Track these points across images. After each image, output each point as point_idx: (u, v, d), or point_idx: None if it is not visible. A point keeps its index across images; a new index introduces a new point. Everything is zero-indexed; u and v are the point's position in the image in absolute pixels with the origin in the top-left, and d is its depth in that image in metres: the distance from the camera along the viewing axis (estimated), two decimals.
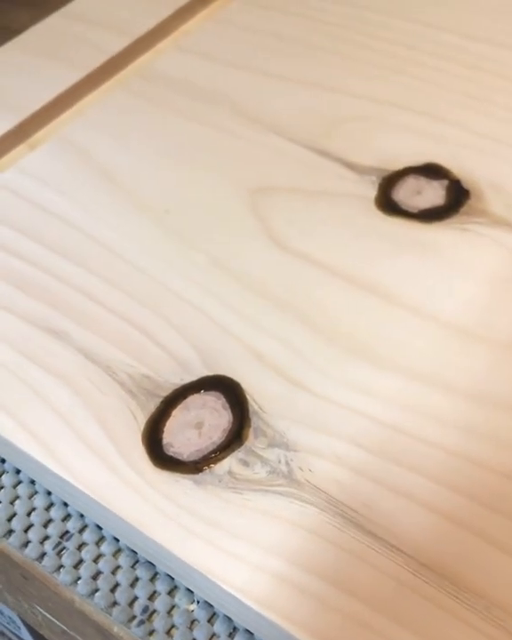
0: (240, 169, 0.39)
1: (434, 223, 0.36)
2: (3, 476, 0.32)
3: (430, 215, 0.37)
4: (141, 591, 0.29)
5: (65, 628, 0.34)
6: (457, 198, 0.37)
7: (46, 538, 0.31)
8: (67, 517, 0.31)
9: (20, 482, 0.32)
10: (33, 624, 0.38)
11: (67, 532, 0.31)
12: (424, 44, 0.44)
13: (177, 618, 0.29)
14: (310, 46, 0.45)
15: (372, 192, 0.38)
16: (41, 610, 0.35)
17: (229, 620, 0.28)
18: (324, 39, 0.45)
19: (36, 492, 0.32)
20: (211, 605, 0.29)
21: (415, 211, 0.37)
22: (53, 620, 0.34)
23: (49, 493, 0.32)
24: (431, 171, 0.38)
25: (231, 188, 0.39)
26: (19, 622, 0.46)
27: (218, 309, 0.34)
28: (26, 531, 0.31)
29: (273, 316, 0.34)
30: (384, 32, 0.45)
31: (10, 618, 0.47)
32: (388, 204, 0.37)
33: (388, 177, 0.38)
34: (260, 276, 0.35)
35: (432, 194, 0.37)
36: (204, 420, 0.31)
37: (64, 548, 0.31)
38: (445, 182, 0.38)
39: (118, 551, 0.30)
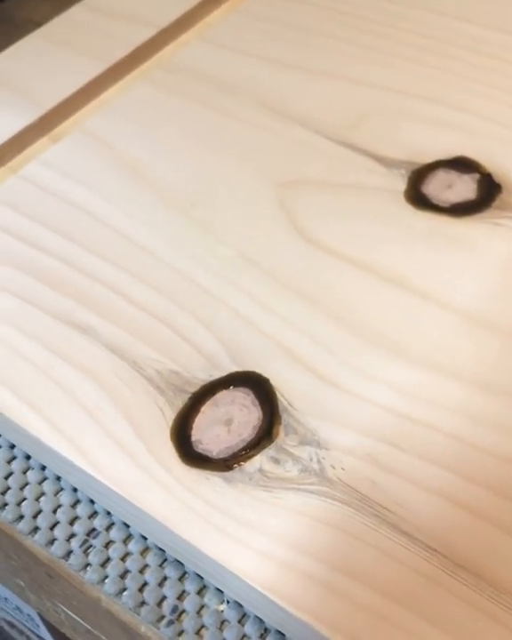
0: (266, 161, 0.39)
1: (465, 217, 0.36)
2: (28, 473, 0.32)
3: (461, 209, 0.36)
4: (170, 590, 0.29)
5: (89, 628, 0.34)
6: (489, 192, 0.36)
7: (72, 536, 0.30)
8: (93, 515, 0.31)
9: (45, 478, 0.32)
10: (55, 623, 0.37)
11: (93, 529, 0.30)
12: (452, 35, 0.43)
13: (207, 618, 0.28)
14: (335, 38, 0.44)
15: (401, 185, 0.37)
16: (64, 608, 0.34)
17: (260, 620, 0.28)
18: (349, 31, 0.45)
19: (61, 489, 0.32)
20: (241, 606, 0.28)
21: (446, 205, 0.36)
22: (77, 618, 0.34)
23: (75, 490, 0.31)
24: (462, 164, 0.37)
25: (257, 181, 0.38)
26: (38, 620, 0.46)
27: (245, 304, 0.34)
28: (52, 528, 0.31)
29: (302, 311, 0.33)
30: (408, 24, 0.44)
31: (28, 615, 0.47)
32: (418, 197, 0.37)
33: (418, 170, 0.38)
34: (288, 270, 0.35)
35: (463, 187, 0.37)
36: (234, 417, 0.30)
37: (91, 545, 0.30)
38: (476, 176, 0.37)
39: (146, 549, 0.30)
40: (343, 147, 0.39)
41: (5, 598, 0.47)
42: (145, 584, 0.29)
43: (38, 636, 0.48)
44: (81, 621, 0.34)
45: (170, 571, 0.29)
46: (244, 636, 0.28)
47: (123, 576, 0.29)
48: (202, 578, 0.29)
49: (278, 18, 0.46)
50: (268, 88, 0.42)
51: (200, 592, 0.29)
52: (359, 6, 0.46)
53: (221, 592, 0.29)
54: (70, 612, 0.34)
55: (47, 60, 0.45)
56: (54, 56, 0.45)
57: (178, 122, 0.41)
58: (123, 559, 0.30)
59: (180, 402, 0.31)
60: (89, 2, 0.49)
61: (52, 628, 0.44)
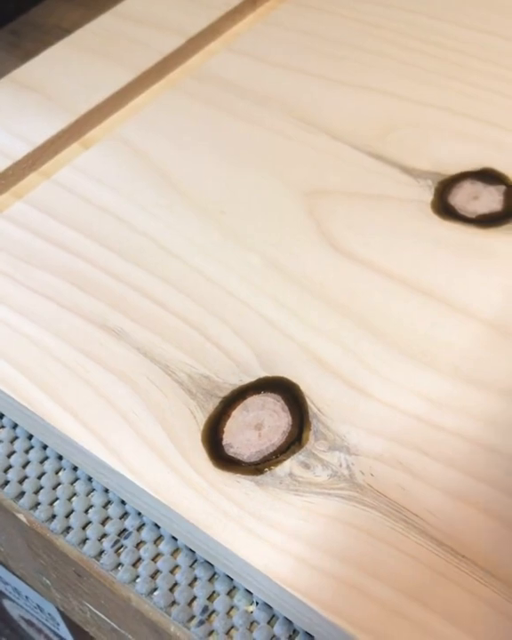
0: (294, 171, 0.40)
1: (491, 228, 0.36)
2: (60, 473, 0.33)
3: (488, 220, 0.36)
4: (200, 591, 0.29)
5: (115, 626, 0.34)
6: None
7: (104, 536, 0.31)
8: (124, 515, 0.31)
9: (77, 479, 0.32)
10: (79, 621, 0.38)
11: (125, 529, 0.31)
12: (477, 49, 0.44)
13: (236, 619, 0.29)
14: (361, 49, 0.45)
15: (428, 196, 0.38)
16: (91, 607, 0.35)
17: (289, 622, 0.28)
18: (375, 42, 0.45)
19: (93, 490, 0.32)
20: (270, 607, 0.29)
21: (473, 216, 0.37)
22: (104, 617, 0.34)
23: (106, 491, 0.32)
24: (488, 176, 0.38)
25: (286, 190, 0.39)
26: (58, 618, 0.47)
27: (274, 311, 0.34)
28: (84, 528, 0.31)
29: (330, 319, 0.34)
30: (437, 37, 0.45)
31: (49, 614, 0.47)
32: (444, 208, 0.37)
33: (445, 181, 0.38)
34: (316, 278, 0.35)
35: (489, 199, 0.37)
36: (264, 422, 0.31)
37: (122, 546, 0.31)
38: (502, 188, 0.37)
39: (176, 550, 0.30)
40: (371, 157, 0.40)
41: (26, 597, 0.47)
42: (175, 584, 0.30)
43: (57, 634, 0.49)
44: (107, 620, 0.34)
45: (200, 571, 0.30)
46: (274, 636, 0.28)
47: (154, 576, 0.30)
48: (231, 579, 0.29)
49: (306, 28, 0.47)
50: (296, 98, 0.43)
51: (230, 593, 0.29)
52: (388, 18, 0.46)
53: (251, 593, 0.29)
54: (97, 611, 0.34)
55: (78, 67, 0.46)
56: (85, 63, 0.46)
57: (207, 130, 0.42)
58: (154, 559, 0.30)
59: (212, 406, 0.31)
60: (118, 10, 0.49)
61: (73, 627, 0.45)
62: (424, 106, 0.42)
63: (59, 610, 0.45)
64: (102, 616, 0.34)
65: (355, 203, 0.38)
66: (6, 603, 0.53)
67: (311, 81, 0.44)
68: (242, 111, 0.43)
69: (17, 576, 0.43)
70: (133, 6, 0.49)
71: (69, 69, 0.46)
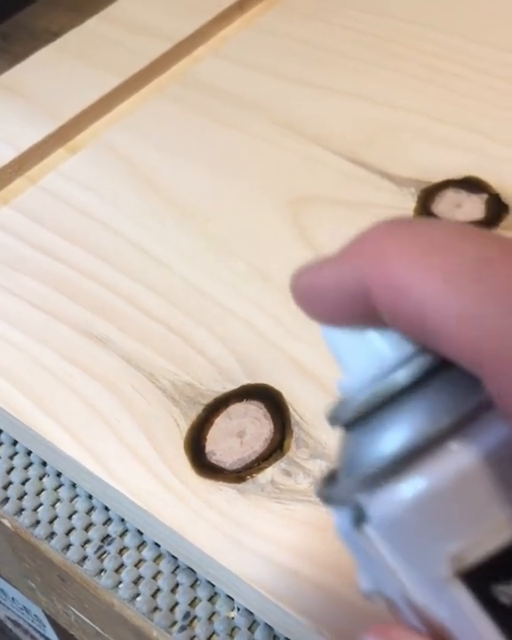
0: (279, 178, 0.40)
1: None
2: (44, 479, 0.33)
3: None
4: (182, 597, 0.30)
5: (99, 630, 0.35)
6: (496, 212, 0.37)
7: (88, 541, 0.31)
8: (107, 521, 0.32)
9: (61, 485, 0.33)
10: (64, 624, 0.38)
11: (108, 535, 0.31)
12: (463, 57, 0.44)
13: (218, 624, 0.29)
14: (348, 56, 0.45)
15: (410, 204, 0.38)
16: (75, 611, 0.35)
17: (270, 627, 0.29)
18: (362, 50, 0.45)
19: (76, 496, 0.32)
20: (251, 613, 0.29)
21: None
22: (88, 621, 0.35)
23: (90, 497, 0.32)
24: (470, 184, 0.38)
25: (271, 197, 0.39)
26: (44, 620, 0.47)
27: (259, 318, 0.34)
28: (67, 534, 0.31)
29: (312, 326, 0.34)
30: (423, 45, 0.45)
31: (35, 616, 0.48)
32: (427, 216, 0.37)
33: (427, 189, 0.38)
34: None
35: (471, 207, 0.38)
36: (246, 429, 0.31)
37: (105, 552, 0.31)
38: (484, 196, 0.38)
39: (159, 556, 0.31)
40: (355, 164, 0.40)
41: (13, 598, 0.48)
42: (158, 590, 0.30)
43: (43, 635, 0.49)
44: (92, 624, 0.35)
45: (182, 577, 0.30)
46: None
47: (136, 582, 0.30)
48: (213, 585, 0.30)
49: (293, 34, 0.47)
50: (282, 105, 0.43)
51: (211, 599, 0.30)
52: (374, 26, 0.47)
53: (232, 599, 0.30)
54: (81, 615, 0.35)
55: (64, 72, 0.46)
56: (71, 68, 0.46)
57: (192, 136, 0.42)
58: (136, 565, 0.31)
59: (194, 413, 0.32)
60: (106, 14, 0.50)
61: (59, 629, 0.45)
62: (408, 113, 0.42)
63: (44, 612, 0.45)
64: (86, 620, 0.35)
65: (338, 210, 0.38)
66: None
67: (297, 88, 0.44)
68: (228, 117, 0.43)
69: (3, 578, 0.44)
70: (121, 11, 0.50)
71: (56, 74, 0.46)
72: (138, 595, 0.30)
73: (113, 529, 0.31)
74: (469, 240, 0.17)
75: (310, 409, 0.32)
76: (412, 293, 0.16)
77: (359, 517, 0.17)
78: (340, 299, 0.18)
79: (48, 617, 0.46)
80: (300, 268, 0.19)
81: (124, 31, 0.48)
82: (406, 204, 0.38)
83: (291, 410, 0.32)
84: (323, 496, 0.18)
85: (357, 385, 0.18)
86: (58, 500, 0.32)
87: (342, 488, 0.18)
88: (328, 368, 0.32)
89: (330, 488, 0.18)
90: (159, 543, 0.31)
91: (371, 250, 0.18)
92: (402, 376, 0.17)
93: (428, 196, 0.38)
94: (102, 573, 0.31)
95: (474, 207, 0.38)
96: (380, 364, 0.18)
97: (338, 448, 0.19)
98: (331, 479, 0.19)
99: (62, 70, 0.46)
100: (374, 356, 0.18)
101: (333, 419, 0.19)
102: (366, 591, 0.18)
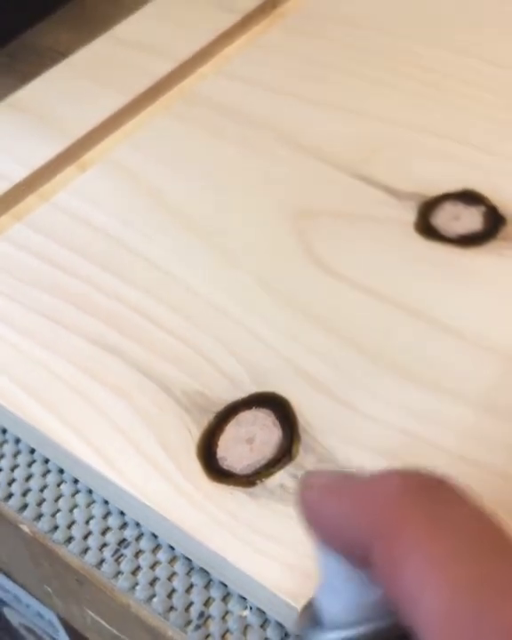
0: (283, 192, 0.41)
1: (471, 248, 0.38)
2: (62, 486, 0.34)
3: (468, 241, 0.38)
4: (197, 597, 0.31)
5: (116, 633, 0.36)
6: (494, 224, 0.38)
7: (104, 545, 0.32)
8: (124, 526, 0.33)
9: (78, 491, 0.34)
10: (80, 628, 0.39)
11: (124, 539, 0.33)
12: (463, 73, 0.46)
13: (231, 623, 0.30)
14: (350, 73, 0.47)
15: (411, 217, 0.39)
16: (92, 614, 0.36)
17: (281, 625, 0.30)
18: (363, 67, 0.47)
19: (93, 502, 0.34)
20: (263, 612, 0.30)
21: (453, 236, 0.38)
22: (104, 624, 0.36)
23: (106, 502, 0.34)
24: (468, 197, 0.40)
25: (276, 212, 0.40)
26: (58, 625, 0.48)
27: (265, 329, 0.36)
28: (85, 538, 0.33)
29: (319, 336, 0.35)
30: (424, 61, 0.47)
31: (49, 622, 0.49)
32: (426, 228, 0.39)
33: (427, 202, 0.40)
34: (305, 296, 0.37)
35: (469, 220, 0.39)
36: (256, 436, 0.32)
37: (122, 555, 0.32)
38: (482, 208, 0.39)
39: (174, 559, 0.32)
40: (357, 179, 0.41)
41: (27, 605, 0.49)
42: (173, 591, 0.31)
43: None
44: (108, 626, 0.36)
45: (196, 579, 0.31)
46: (266, 639, 0.30)
47: (152, 583, 0.31)
48: (226, 585, 0.31)
49: (295, 52, 0.48)
50: (285, 121, 0.45)
51: (225, 599, 0.31)
52: (375, 43, 0.48)
53: (245, 599, 0.31)
54: (98, 618, 0.36)
55: (73, 91, 0.47)
56: (79, 87, 0.48)
57: (198, 153, 0.44)
58: (152, 568, 0.32)
59: (206, 421, 0.33)
60: (112, 34, 0.51)
61: (72, 634, 0.46)
62: (408, 128, 0.43)
63: (58, 617, 0.46)
64: (103, 622, 0.36)
65: (341, 223, 0.40)
66: (6, 610, 0.54)
67: (299, 104, 0.45)
68: (232, 134, 0.44)
69: (19, 585, 0.45)
70: (126, 30, 0.51)
71: (64, 93, 0.47)
72: (154, 596, 0.31)
73: (129, 533, 0.33)
74: (489, 555, 0.17)
75: (317, 415, 0.33)
76: (413, 594, 0.17)
77: None
78: (340, 535, 0.19)
79: (62, 622, 0.47)
80: (313, 478, 0.20)
81: (131, 50, 0.50)
82: (406, 217, 0.40)
83: (298, 417, 0.33)
84: None
85: (336, 608, 0.20)
86: (75, 505, 0.34)
87: None
88: (333, 376, 0.34)
89: None
90: (174, 546, 0.32)
91: (385, 521, 0.18)
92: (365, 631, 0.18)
93: (427, 209, 0.40)
94: (119, 576, 0.32)
95: (472, 219, 0.39)
96: (358, 602, 0.19)
97: None
98: None
99: (71, 89, 0.48)
100: (357, 594, 0.19)
101: (302, 635, 0.20)
102: None
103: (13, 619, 0.54)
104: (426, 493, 0.19)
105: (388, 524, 0.18)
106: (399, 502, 0.18)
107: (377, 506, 0.18)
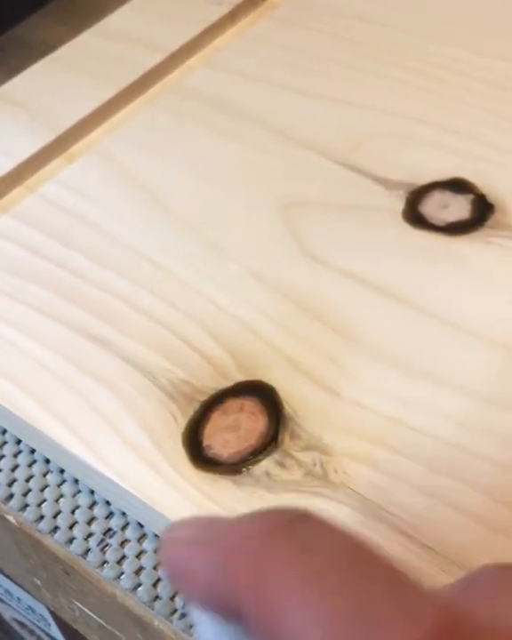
0: (272, 183, 0.41)
1: (460, 236, 0.38)
2: (48, 476, 0.34)
3: (456, 229, 0.38)
4: None
5: (103, 623, 0.36)
6: (482, 212, 0.38)
7: (90, 535, 0.32)
8: (109, 515, 0.33)
9: (64, 481, 0.34)
10: (69, 619, 0.39)
11: (109, 529, 0.32)
12: (450, 62, 0.45)
13: None
14: (338, 64, 0.47)
15: (399, 206, 0.39)
16: (79, 605, 0.36)
17: None
18: (351, 57, 0.47)
19: (79, 491, 0.33)
20: None
21: (442, 224, 0.38)
22: (92, 614, 0.36)
23: (92, 492, 0.33)
24: (457, 185, 0.40)
25: (264, 202, 0.40)
26: (49, 619, 0.48)
27: (253, 317, 0.36)
28: (70, 528, 0.33)
29: (305, 324, 0.35)
30: (411, 50, 0.47)
31: (41, 615, 0.49)
32: (415, 217, 0.39)
33: (416, 191, 0.40)
34: (293, 285, 0.37)
35: (458, 208, 0.39)
36: (242, 424, 0.32)
37: (107, 544, 0.32)
38: (471, 196, 0.39)
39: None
40: (345, 168, 0.41)
41: (18, 598, 0.49)
42: (158, 580, 0.31)
43: (49, 635, 0.50)
44: (95, 617, 0.36)
45: None
46: None
47: (137, 572, 0.31)
48: None
49: (283, 43, 0.48)
50: (273, 112, 0.44)
51: None
52: (362, 33, 0.48)
53: None
54: (85, 609, 0.36)
55: (61, 84, 0.47)
56: (68, 79, 0.48)
57: (186, 143, 0.43)
58: (138, 556, 0.32)
59: (192, 409, 0.33)
60: (100, 27, 0.51)
61: (64, 627, 0.46)
62: (396, 117, 0.43)
63: (50, 610, 0.46)
64: (90, 613, 0.36)
65: (329, 213, 0.39)
66: None
67: (288, 95, 0.45)
68: (221, 125, 0.44)
69: (9, 578, 0.45)
70: (115, 23, 0.51)
71: (52, 86, 0.47)
72: (139, 585, 0.31)
73: (115, 522, 0.33)
74: (360, 580, 0.16)
75: (303, 403, 0.33)
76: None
77: None
78: (210, 592, 0.18)
79: (53, 615, 0.47)
80: (176, 531, 0.19)
81: (119, 43, 0.49)
82: (395, 205, 0.39)
83: (284, 404, 0.33)
84: None
85: None
86: (61, 495, 0.33)
87: None
88: (319, 363, 0.34)
89: None
90: (159, 535, 0.32)
91: (249, 572, 0.17)
92: None
93: (415, 198, 0.39)
94: (105, 565, 0.32)
95: (460, 207, 0.39)
96: None
97: None
98: None
99: (58, 82, 0.47)
100: None
101: None
102: None
103: (6, 613, 0.54)
104: (286, 531, 0.18)
105: (252, 574, 0.17)
106: (260, 547, 0.17)
107: (239, 556, 0.17)
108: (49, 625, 0.48)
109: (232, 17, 0.51)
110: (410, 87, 0.45)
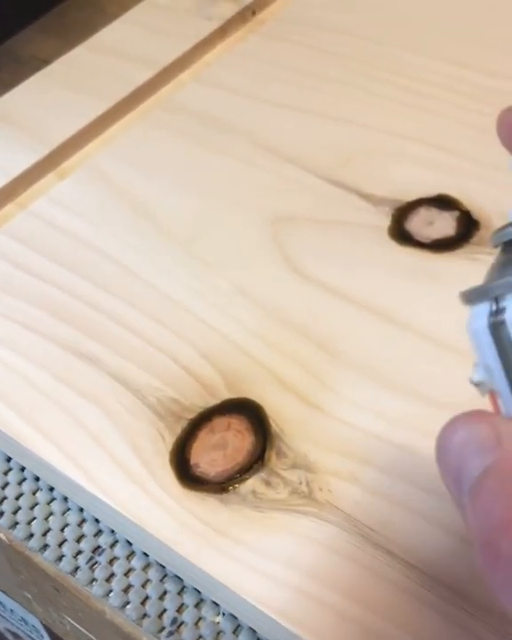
0: (260, 199, 0.41)
1: (445, 253, 0.38)
2: (37, 494, 0.34)
3: (441, 245, 0.38)
4: (170, 604, 0.31)
5: (93, 638, 0.36)
6: (467, 229, 0.39)
7: (79, 552, 0.33)
8: (98, 533, 0.33)
9: (53, 499, 0.34)
10: (60, 634, 0.40)
11: (98, 547, 0.33)
12: (438, 78, 0.46)
13: (204, 629, 0.30)
14: (327, 79, 0.47)
15: (385, 222, 0.40)
16: (70, 620, 0.37)
17: (253, 631, 0.30)
18: (340, 72, 0.47)
19: (68, 509, 0.34)
20: (235, 617, 0.31)
21: (427, 241, 0.39)
22: (82, 629, 0.36)
23: (81, 510, 0.34)
24: (443, 202, 0.40)
25: (252, 218, 0.40)
26: (42, 631, 0.48)
27: (241, 335, 0.36)
28: (60, 545, 0.33)
29: (293, 342, 0.36)
30: (399, 66, 0.47)
31: (33, 627, 0.49)
32: (401, 234, 0.39)
33: (401, 208, 0.40)
34: (280, 302, 0.37)
35: (443, 224, 0.39)
36: (229, 442, 0.33)
37: (96, 562, 0.32)
38: (456, 213, 0.39)
39: (148, 565, 0.32)
40: (332, 185, 0.41)
41: (11, 610, 0.49)
42: (147, 597, 0.31)
43: None
44: (86, 632, 0.36)
45: (170, 585, 0.32)
46: None
47: (126, 590, 0.32)
48: (199, 592, 0.31)
49: (272, 58, 0.49)
50: (262, 127, 0.45)
51: (198, 605, 0.31)
52: (352, 48, 0.48)
53: (217, 605, 0.31)
54: (76, 624, 0.36)
55: (52, 99, 0.48)
56: (59, 95, 0.48)
57: (176, 160, 0.44)
58: (126, 574, 0.32)
59: (179, 427, 0.33)
60: (92, 42, 0.51)
61: (56, 639, 0.46)
62: (383, 134, 0.44)
63: (42, 622, 0.46)
64: (81, 628, 0.36)
65: (317, 229, 0.40)
66: None
67: (277, 111, 0.46)
68: (210, 141, 0.44)
69: (1, 591, 0.45)
70: (106, 39, 0.51)
71: (44, 101, 0.47)
72: (128, 602, 0.31)
73: (103, 540, 0.33)
74: None
75: (290, 421, 0.33)
76: None
77: (497, 310, 0.20)
78: None
79: (45, 627, 0.47)
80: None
81: (111, 57, 0.50)
82: (381, 222, 0.40)
83: (271, 422, 0.33)
84: (466, 295, 0.22)
85: None
86: (51, 513, 0.34)
87: (487, 286, 0.21)
88: (307, 382, 0.34)
89: (474, 288, 0.22)
90: (147, 553, 0.32)
91: None
92: None
93: (401, 215, 0.40)
94: (94, 583, 0.32)
95: (445, 224, 0.39)
96: None
97: (492, 264, 0.22)
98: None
99: (50, 97, 0.48)
100: None
101: (500, 236, 0.22)
102: (476, 381, 0.23)
103: None
104: None
105: None
106: None
107: None
108: (42, 636, 0.49)
109: (222, 32, 0.51)
110: (399, 104, 0.45)
